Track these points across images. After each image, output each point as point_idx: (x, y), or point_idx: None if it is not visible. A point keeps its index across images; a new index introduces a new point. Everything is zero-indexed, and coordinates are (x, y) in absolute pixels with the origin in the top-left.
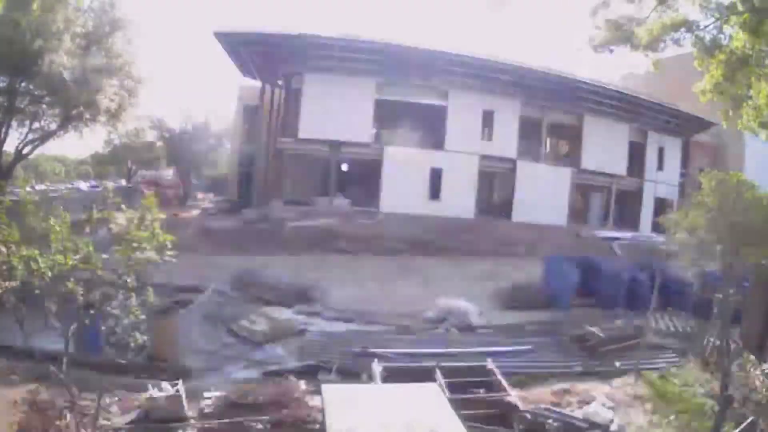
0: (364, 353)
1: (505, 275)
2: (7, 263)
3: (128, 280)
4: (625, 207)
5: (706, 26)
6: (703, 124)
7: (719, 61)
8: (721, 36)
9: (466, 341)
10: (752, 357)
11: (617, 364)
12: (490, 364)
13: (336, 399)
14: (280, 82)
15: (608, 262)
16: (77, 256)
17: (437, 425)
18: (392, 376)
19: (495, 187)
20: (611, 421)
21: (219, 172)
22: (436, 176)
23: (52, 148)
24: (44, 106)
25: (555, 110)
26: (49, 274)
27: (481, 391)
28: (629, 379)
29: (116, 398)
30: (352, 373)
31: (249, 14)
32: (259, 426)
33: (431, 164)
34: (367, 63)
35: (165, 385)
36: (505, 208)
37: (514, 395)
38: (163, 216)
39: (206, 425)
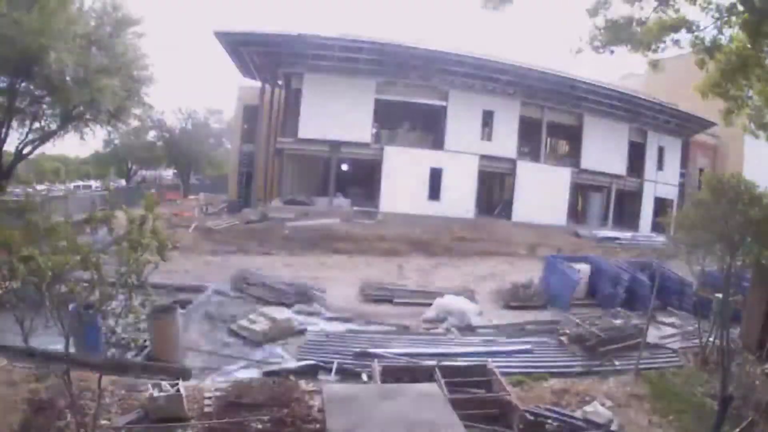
0: (364, 353)
1: (505, 275)
2: (8, 263)
3: (129, 280)
4: (624, 207)
5: (705, 26)
6: (703, 124)
7: (719, 61)
8: (721, 36)
9: (466, 341)
10: (752, 357)
11: (617, 363)
12: (489, 363)
13: (336, 399)
14: (280, 82)
15: (608, 262)
16: (77, 256)
17: (437, 425)
18: (392, 376)
19: (495, 187)
20: (611, 420)
21: (219, 172)
22: (435, 176)
23: (52, 148)
24: (44, 106)
25: (555, 110)
26: (49, 274)
27: (481, 391)
28: (629, 378)
29: (116, 398)
30: (352, 373)
31: (249, 14)
32: (259, 426)
33: (431, 164)
34: (367, 63)
35: (165, 385)
36: (504, 208)
37: (513, 395)
38: (163, 216)
39: (206, 425)
